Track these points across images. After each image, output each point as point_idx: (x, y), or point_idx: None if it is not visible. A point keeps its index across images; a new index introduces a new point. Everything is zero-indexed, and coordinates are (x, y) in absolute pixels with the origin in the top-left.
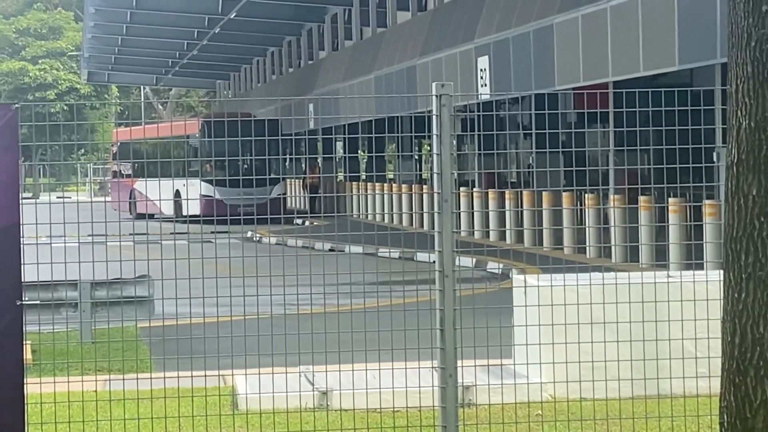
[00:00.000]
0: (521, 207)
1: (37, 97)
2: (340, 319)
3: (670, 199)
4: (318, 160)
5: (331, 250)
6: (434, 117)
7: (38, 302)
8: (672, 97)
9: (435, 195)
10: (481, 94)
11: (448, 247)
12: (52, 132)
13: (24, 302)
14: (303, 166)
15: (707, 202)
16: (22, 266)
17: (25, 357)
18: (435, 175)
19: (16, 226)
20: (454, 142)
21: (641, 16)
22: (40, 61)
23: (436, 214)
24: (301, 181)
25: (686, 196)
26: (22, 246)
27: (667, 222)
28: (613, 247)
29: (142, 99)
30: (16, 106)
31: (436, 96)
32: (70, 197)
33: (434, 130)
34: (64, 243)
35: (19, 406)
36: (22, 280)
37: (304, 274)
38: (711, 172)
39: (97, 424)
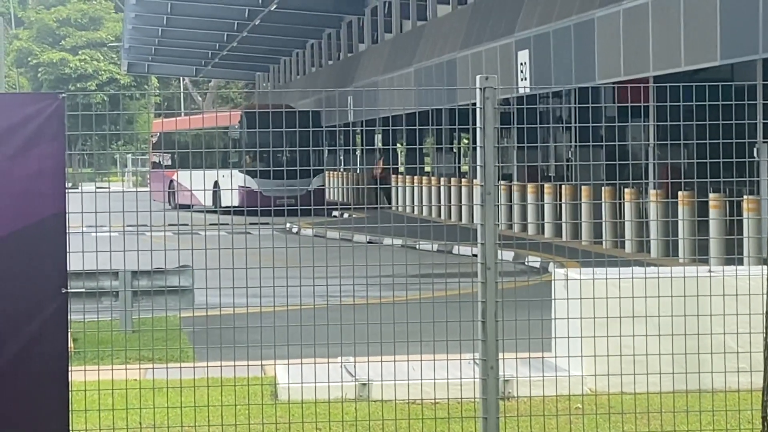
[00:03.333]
0: (561, 201)
1: (78, 88)
2: (381, 310)
3: (711, 194)
4: (379, 152)
5: (369, 242)
6: (478, 110)
7: (83, 290)
8: (713, 91)
9: (478, 187)
10: (521, 87)
11: (490, 239)
12: (93, 122)
13: (69, 290)
14: (338, 157)
15: (748, 197)
16: (68, 254)
17: (69, 345)
18: (478, 168)
19: (62, 214)
20: (497, 136)
21: (683, 10)
22: (80, 52)
23: (479, 207)
24: (367, 173)
25: (726, 191)
26: (67, 234)
27: (708, 217)
28: (653, 242)
29: (182, 90)
30: (63, 95)
31: (480, 89)
32: (108, 187)
33: (478, 123)
34: (109, 232)
35: (63, 393)
36: (68, 268)
37: (347, 265)
38: (752, 168)
39: (140, 412)
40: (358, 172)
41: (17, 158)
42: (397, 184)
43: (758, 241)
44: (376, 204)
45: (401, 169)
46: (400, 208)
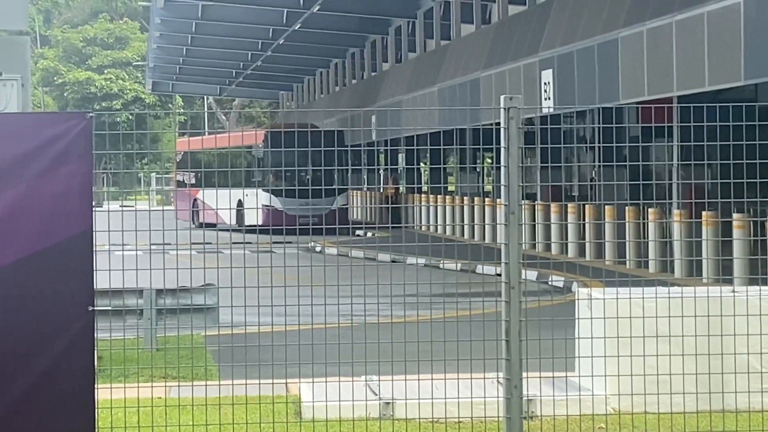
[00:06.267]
0: (584, 220)
1: (103, 107)
2: (405, 329)
3: (735, 215)
4: (398, 172)
5: (393, 261)
6: (502, 129)
7: (109, 308)
8: (737, 111)
9: (502, 207)
10: (545, 107)
11: (514, 258)
12: (118, 141)
13: (95, 308)
14: (362, 176)
15: None
16: (95, 273)
17: (95, 363)
18: (502, 187)
19: (88, 233)
20: (521, 155)
21: (707, 30)
22: (106, 71)
23: (503, 226)
24: (380, 192)
25: (750, 211)
26: (94, 253)
27: (732, 237)
28: (676, 262)
29: (206, 109)
30: (91, 114)
31: (505, 109)
32: (132, 206)
33: (502, 143)
34: (135, 251)
35: (89, 410)
36: (95, 286)
37: (371, 284)
38: None
39: (165, 430)
40: (381, 191)
41: (45, 177)
42: (421, 203)
43: None
44: (395, 222)
45: (424, 188)
46: (423, 228)
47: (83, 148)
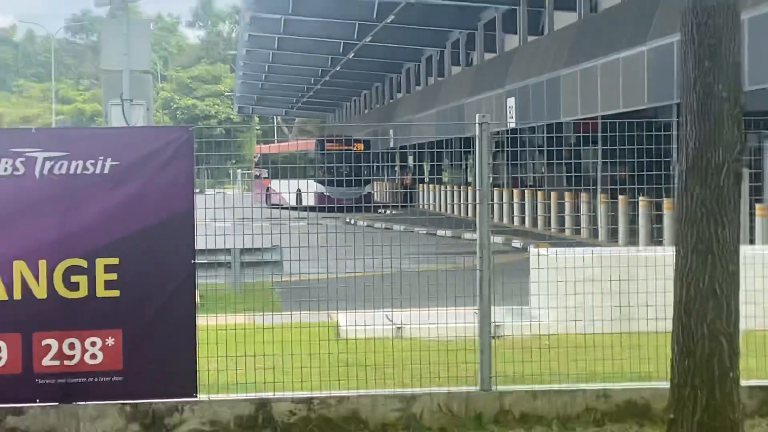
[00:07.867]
0: (536, 201)
1: (204, 124)
2: (411, 277)
3: (641, 198)
4: (408, 169)
5: (404, 230)
6: (477, 138)
7: (206, 261)
8: (644, 126)
9: (477, 192)
10: (509, 122)
11: (484, 227)
12: (212, 147)
13: (196, 262)
14: (386, 171)
15: (666, 199)
16: (195, 237)
17: (197, 300)
18: (477, 178)
19: (191, 211)
20: (490, 156)
21: (621, 69)
22: (206, 99)
23: (478, 205)
24: (399, 181)
25: (652, 195)
26: (195, 224)
27: (637, 212)
28: (600, 230)
29: (275, 125)
30: (191, 128)
31: (479, 123)
32: (223, 192)
33: (477, 148)
34: (224, 222)
35: (192, 332)
36: (195, 246)
37: (388, 245)
38: (669, 178)
39: (245, 345)
40: (397, 182)
41: (161, 171)
42: (424, 190)
43: (672, 230)
44: (406, 203)
45: (426, 179)
46: (428, 207)
47: (187, 151)
